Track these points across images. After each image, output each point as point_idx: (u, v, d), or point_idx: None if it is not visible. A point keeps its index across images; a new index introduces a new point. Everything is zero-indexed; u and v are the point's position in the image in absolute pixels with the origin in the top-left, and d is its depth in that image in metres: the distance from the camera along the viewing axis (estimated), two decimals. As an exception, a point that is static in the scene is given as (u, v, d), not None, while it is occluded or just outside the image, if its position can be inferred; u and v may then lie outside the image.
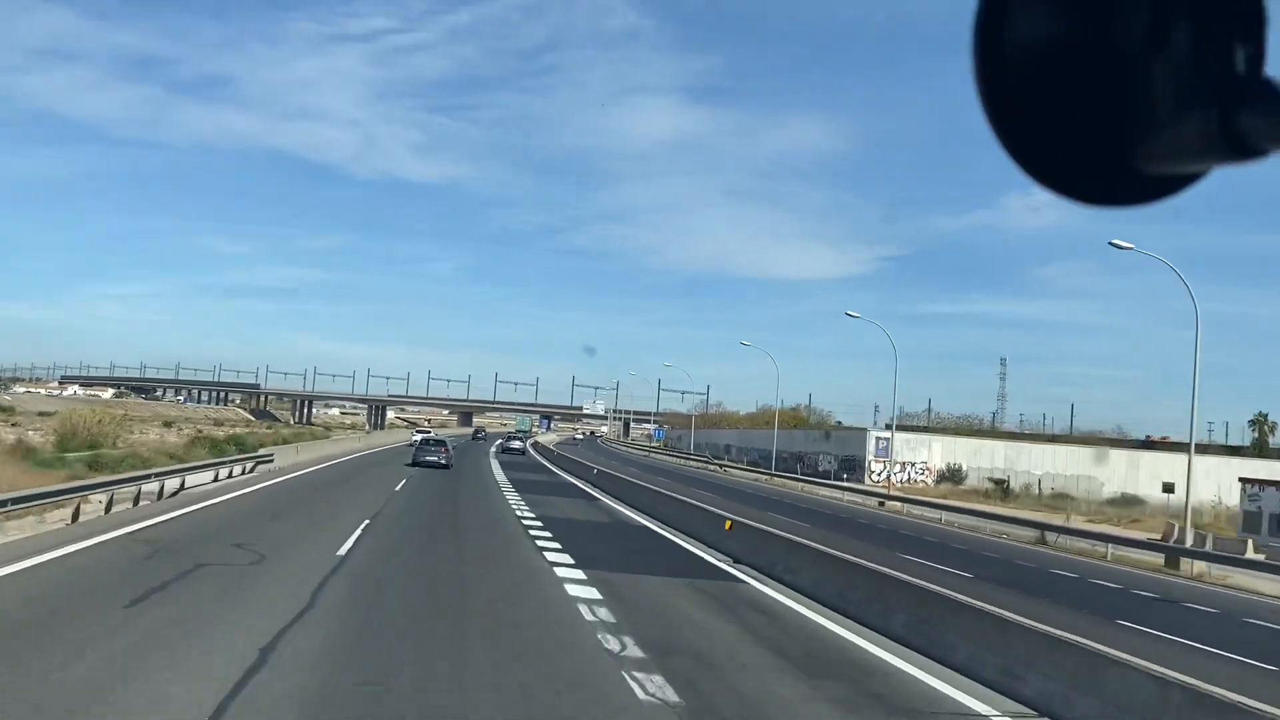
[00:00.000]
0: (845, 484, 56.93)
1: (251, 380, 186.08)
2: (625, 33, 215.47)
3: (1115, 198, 1.09)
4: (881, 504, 45.65)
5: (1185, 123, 1.00)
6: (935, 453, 69.82)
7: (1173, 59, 1.01)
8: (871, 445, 68.71)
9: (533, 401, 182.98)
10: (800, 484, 58.67)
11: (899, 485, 58.01)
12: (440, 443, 46.37)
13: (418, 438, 60.74)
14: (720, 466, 77.42)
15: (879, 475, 63.48)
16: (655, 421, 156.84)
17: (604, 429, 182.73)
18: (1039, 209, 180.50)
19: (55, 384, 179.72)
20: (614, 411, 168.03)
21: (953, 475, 66.60)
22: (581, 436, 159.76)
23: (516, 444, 71.91)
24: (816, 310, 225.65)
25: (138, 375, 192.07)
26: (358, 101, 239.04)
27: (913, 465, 67.99)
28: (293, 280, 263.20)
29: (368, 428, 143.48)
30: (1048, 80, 1.05)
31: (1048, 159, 1.09)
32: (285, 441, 54.19)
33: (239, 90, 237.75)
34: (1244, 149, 0.98)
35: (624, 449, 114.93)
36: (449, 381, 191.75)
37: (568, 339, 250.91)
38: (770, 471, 67.64)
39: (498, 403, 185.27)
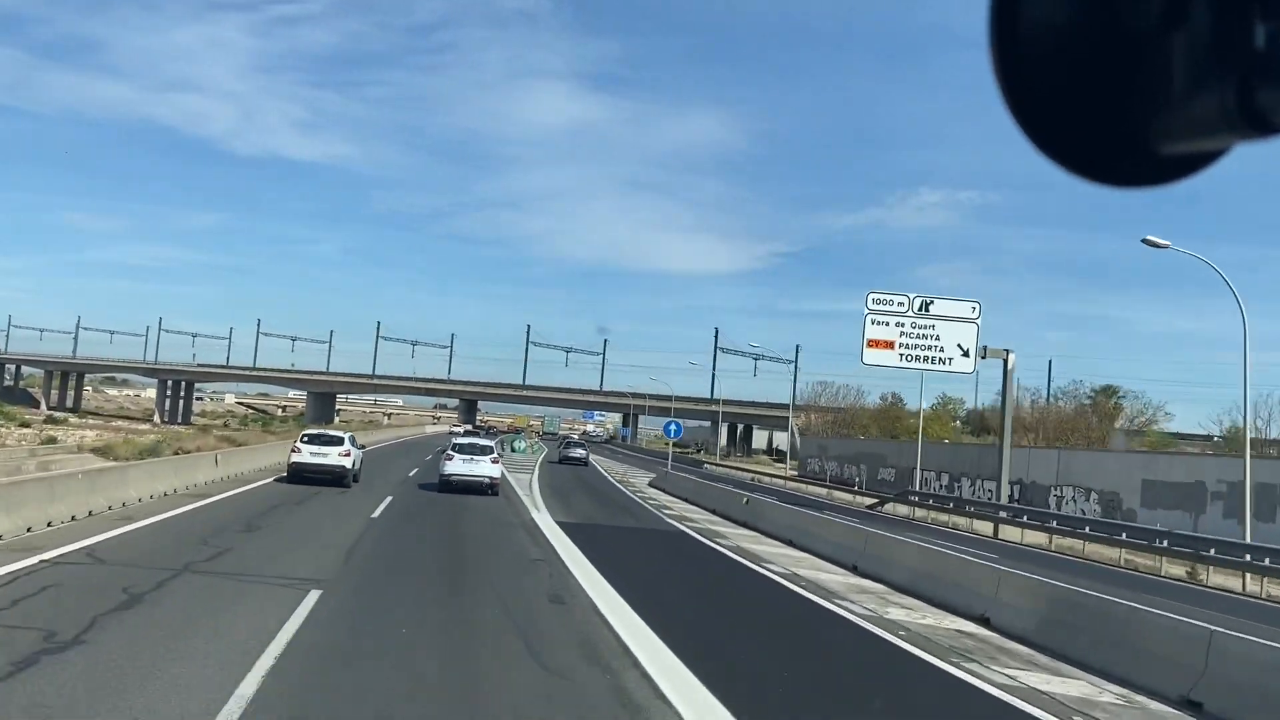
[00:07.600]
0: None
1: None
2: (521, 13, 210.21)
3: (1134, 178, 1.08)
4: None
5: (1204, 100, 0.99)
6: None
7: (1191, 35, 0.99)
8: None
9: (443, 378, 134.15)
10: None
11: None
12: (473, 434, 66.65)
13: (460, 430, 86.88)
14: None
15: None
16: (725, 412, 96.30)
17: (589, 427, 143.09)
18: (923, 209, 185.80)
19: None
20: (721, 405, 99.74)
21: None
22: (578, 437, 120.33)
23: (578, 452, 61.35)
24: (706, 305, 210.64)
25: None
26: (238, 73, 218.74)
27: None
28: (164, 260, 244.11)
29: (158, 418, 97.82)
30: (1065, 59, 1.04)
31: (1067, 140, 1.06)
32: None
33: (110, 56, 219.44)
34: (1263, 125, 0.97)
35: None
36: (294, 340, 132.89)
37: (456, 325, 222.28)
38: None
39: (380, 378, 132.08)
